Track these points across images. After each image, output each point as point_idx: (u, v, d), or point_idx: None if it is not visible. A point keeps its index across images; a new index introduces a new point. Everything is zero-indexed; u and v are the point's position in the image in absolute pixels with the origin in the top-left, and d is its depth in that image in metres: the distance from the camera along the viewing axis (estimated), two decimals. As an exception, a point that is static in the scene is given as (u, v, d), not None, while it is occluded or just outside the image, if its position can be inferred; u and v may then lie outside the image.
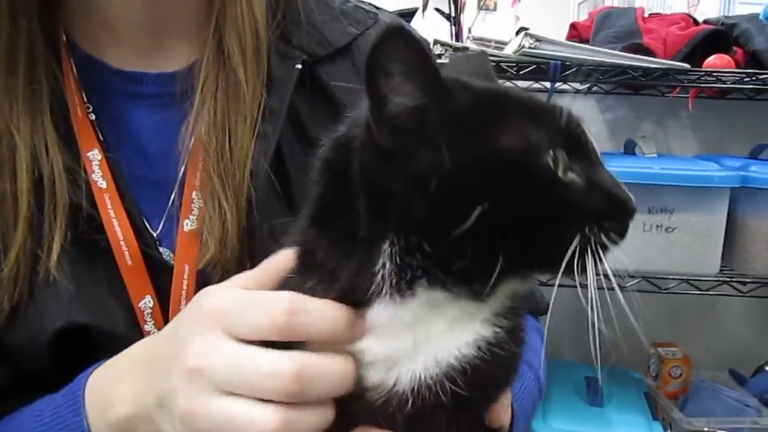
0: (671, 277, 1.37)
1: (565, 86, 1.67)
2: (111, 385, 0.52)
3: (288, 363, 0.42)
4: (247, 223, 0.62)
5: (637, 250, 1.34)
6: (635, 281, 1.36)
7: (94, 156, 0.63)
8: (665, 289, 1.37)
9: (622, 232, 0.44)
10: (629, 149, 1.51)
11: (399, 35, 0.39)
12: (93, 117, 0.64)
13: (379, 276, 0.42)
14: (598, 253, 0.43)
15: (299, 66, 0.67)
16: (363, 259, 0.42)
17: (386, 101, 0.40)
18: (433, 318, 0.43)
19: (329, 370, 0.43)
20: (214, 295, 0.46)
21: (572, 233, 0.42)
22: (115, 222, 0.62)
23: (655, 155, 1.46)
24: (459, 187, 0.41)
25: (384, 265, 0.42)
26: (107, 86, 0.65)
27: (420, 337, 0.43)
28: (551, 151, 0.42)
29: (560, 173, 0.42)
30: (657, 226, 1.34)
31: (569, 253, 0.42)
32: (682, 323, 1.80)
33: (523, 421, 0.64)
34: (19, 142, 0.60)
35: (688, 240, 1.35)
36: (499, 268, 0.41)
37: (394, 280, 0.42)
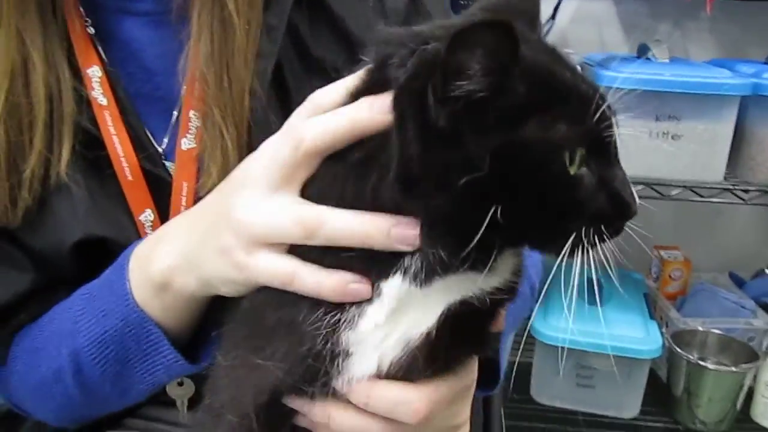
0: (675, 184, 1.39)
1: (581, -15, 1.63)
2: (152, 246, 0.57)
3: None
4: (249, 146, 0.63)
5: (642, 157, 1.35)
6: (639, 188, 1.38)
7: (94, 73, 0.64)
8: (668, 196, 1.39)
9: (615, 233, 0.45)
10: (642, 53, 1.49)
11: (504, 31, 0.39)
12: (92, 31, 0.65)
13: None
14: (587, 251, 0.44)
15: None
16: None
17: (456, 77, 0.39)
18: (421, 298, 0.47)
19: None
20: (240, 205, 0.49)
21: (569, 231, 0.43)
22: (115, 138, 0.64)
23: (667, 60, 1.44)
24: (484, 187, 0.41)
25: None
26: (101, 3, 0.66)
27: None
28: (573, 149, 0.42)
29: (573, 170, 0.42)
30: (663, 134, 1.34)
31: (564, 250, 0.43)
32: (686, 228, 1.82)
33: (513, 319, 0.68)
34: (31, 48, 0.61)
35: (694, 148, 1.35)
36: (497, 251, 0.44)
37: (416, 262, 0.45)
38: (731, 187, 1.39)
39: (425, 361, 0.47)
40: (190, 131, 0.65)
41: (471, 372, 0.54)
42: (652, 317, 1.55)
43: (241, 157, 0.62)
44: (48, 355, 0.63)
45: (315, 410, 0.49)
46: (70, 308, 0.62)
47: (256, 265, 0.48)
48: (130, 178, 0.65)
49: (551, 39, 1.50)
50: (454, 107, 0.40)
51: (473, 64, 0.39)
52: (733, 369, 1.48)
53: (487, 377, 0.65)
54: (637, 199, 0.46)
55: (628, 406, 1.54)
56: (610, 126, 0.44)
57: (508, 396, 1.58)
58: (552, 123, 0.41)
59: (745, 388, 1.49)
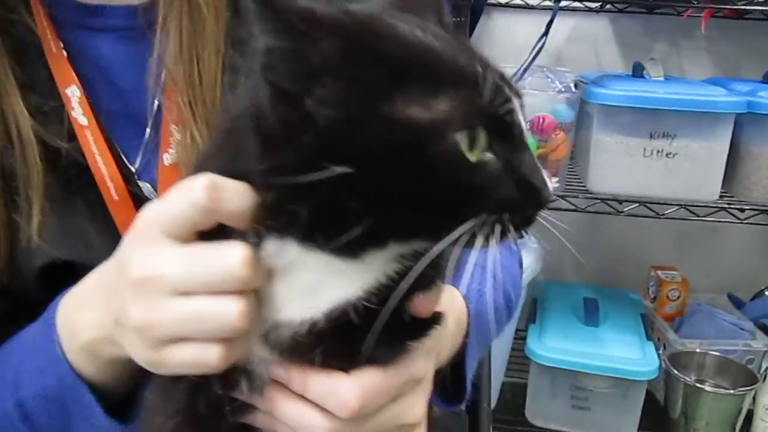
0: (670, 203, 1.37)
1: (576, 4, 1.62)
2: (74, 313, 0.55)
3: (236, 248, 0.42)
4: None
5: (637, 175, 1.34)
6: (634, 206, 1.37)
7: (73, 92, 0.63)
8: (663, 215, 1.37)
9: (526, 223, 0.42)
10: (637, 72, 1.48)
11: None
12: (65, 53, 0.64)
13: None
14: (488, 241, 0.40)
15: None
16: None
17: (254, 35, 0.38)
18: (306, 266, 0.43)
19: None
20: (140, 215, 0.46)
21: (465, 217, 0.39)
22: (98, 158, 0.63)
23: (661, 78, 1.43)
24: (341, 140, 0.39)
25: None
26: (70, 20, 0.64)
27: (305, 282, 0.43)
28: (465, 130, 0.38)
29: (472, 156, 0.39)
30: (658, 152, 1.33)
31: (455, 234, 0.39)
32: (683, 247, 1.81)
33: (479, 323, 0.65)
34: None
35: (689, 166, 1.33)
36: (367, 235, 0.39)
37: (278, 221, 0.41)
38: (727, 206, 1.38)
39: (310, 347, 0.44)
40: (171, 146, 0.64)
41: (415, 363, 0.48)
42: (649, 338, 1.53)
43: None
44: None
45: (259, 400, 0.47)
46: (10, 356, 0.60)
47: (170, 361, 0.45)
48: (116, 197, 0.64)
49: (546, 56, 1.51)
50: (265, 59, 0.38)
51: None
52: (732, 392, 1.46)
53: (453, 389, 0.63)
54: (550, 186, 0.42)
55: (625, 428, 1.51)
56: (510, 106, 0.40)
57: (503, 417, 1.56)
58: (427, 99, 0.38)
59: (744, 412, 1.46)
